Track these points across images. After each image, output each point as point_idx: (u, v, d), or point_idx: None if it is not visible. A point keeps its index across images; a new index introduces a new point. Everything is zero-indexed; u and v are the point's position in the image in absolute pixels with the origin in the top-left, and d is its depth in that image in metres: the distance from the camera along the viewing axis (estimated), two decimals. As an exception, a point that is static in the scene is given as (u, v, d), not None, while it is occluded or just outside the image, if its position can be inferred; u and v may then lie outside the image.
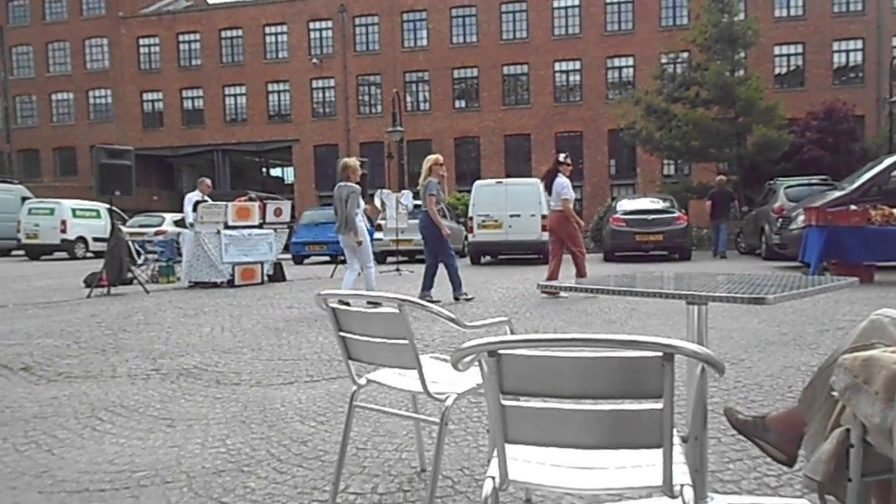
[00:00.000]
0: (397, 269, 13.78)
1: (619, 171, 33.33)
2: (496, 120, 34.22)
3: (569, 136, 33.37)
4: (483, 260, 17.08)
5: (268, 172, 41.84)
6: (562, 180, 8.81)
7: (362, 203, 8.35)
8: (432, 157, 8.64)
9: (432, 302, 8.34)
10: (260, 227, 11.81)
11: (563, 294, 8.46)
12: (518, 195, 15.68)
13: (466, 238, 17.29)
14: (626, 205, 17.15)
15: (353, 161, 8.37)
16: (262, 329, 6.61)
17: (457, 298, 8.46)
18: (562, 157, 9.04)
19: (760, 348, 5.11)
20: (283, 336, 6.18)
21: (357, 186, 8.08)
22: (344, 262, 9.45)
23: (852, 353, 1.75)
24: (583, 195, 32.20)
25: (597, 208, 25.89)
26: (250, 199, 12.66)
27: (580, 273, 8.70)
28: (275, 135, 36.57)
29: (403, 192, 15.45)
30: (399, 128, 22.14)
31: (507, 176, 25.17)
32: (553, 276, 8.76)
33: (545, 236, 15.70)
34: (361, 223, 8.23)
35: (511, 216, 15.60)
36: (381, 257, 17.40)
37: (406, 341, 2.14)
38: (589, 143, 32.95)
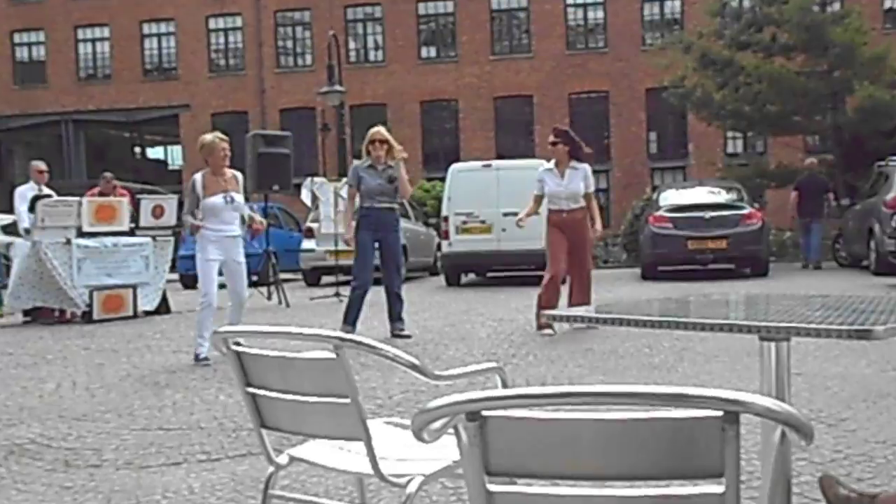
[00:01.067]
0: (337, 294, 13.71)
1: (662, 149, 33.67)
2: (482, 75, 34.38)
3: (588, 98, 33.68)
4: (464, 279, 17.10)
5: (143, 153, 41.60)
6: (539, 169, 9.33)
7: (214, 200, 7.83)
8: (371, 130, 8.87)
9: (401, 336, 8.52)
10: (131, 233, 11.77)
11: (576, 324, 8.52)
12: (515, 185, 15.63)
13: (440, 247, 17.29)
14: (672, 197, 17.31)
15: (210, 137, 7.92)
16: (135, 384, 6.56)
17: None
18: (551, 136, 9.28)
19: (868, 403, 5.15)
20: (167, 394, 6.13)
21: (195, 177, 7.84)
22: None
23: None
24: (609, 184, 32.41)
25: (631, 203, 26.05)
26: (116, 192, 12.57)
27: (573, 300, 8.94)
28: (153, 98, 36.39)
29: (344, 180, 15.37)
30: (338, 87, 22.11)
31: (499, 157, 25.24)
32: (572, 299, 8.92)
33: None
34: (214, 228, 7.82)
35: (505, 215, 15.59)
36: (313, 277, 17.35)
37: (347, 399, 2.14)
38: (619, 109, 33.26)
